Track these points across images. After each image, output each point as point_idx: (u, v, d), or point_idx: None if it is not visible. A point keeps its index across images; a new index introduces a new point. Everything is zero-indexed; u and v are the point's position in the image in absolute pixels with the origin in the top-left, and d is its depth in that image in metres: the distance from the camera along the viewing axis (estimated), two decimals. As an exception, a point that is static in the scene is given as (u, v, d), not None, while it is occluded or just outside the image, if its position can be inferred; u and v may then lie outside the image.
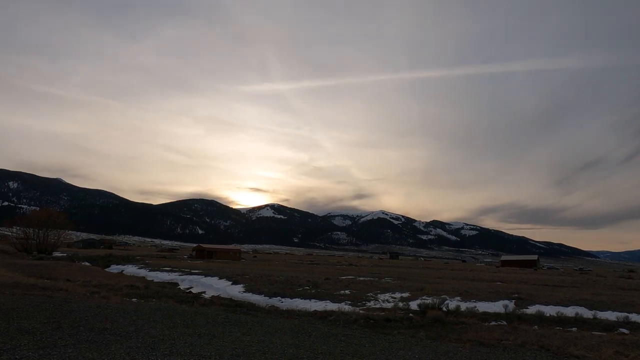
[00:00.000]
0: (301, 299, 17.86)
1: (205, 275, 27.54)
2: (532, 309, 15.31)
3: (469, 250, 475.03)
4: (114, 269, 36.31)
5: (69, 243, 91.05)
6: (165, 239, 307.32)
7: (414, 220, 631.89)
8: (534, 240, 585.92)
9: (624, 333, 11.42)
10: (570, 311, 14.92)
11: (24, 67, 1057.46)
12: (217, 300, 15.77)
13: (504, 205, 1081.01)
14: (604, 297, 20.62)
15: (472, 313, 14.39)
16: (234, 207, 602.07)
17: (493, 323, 12.54)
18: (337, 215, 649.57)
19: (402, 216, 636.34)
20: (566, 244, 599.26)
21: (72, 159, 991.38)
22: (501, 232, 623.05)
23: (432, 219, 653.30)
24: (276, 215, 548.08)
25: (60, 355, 5.57)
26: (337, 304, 16.08)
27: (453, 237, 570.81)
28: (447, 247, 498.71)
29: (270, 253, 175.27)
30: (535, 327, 12.01)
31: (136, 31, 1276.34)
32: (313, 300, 17.37)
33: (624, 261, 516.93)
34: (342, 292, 20.37)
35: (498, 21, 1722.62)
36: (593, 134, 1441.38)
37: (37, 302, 9.95)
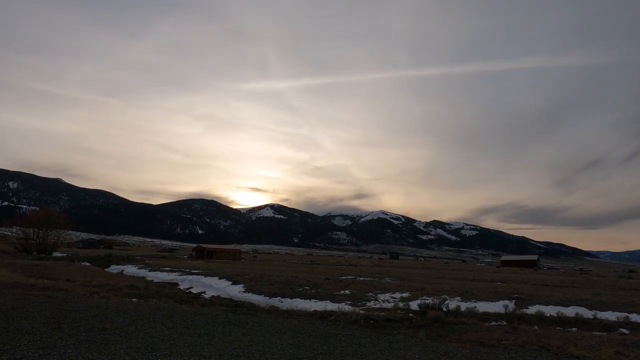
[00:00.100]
0: (301, 299, 17.85)
1: (205, 276, 27.51)
2: (532, 309, 15.31)
3: (469, 250, 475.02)
4: (114, 269, 36.31)
5: (68, 243, 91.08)
6: (165, 239, 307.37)
7: (414, 220, 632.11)
8: (534, 241, 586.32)
9: (624, 333, 11.42)
10: (570, 311, 14.92)
11: (23, 65, 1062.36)
12: (217, 301, 15.75)
13: (504, 205, 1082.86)
14: (604, 297, 20.61)
15: (472, 313, 14.38)
16: (234, 207, 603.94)
17: (493, 323, 12.53)
18: (337, 215, 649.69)
19: (402, 216, 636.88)
20: (566, 244, 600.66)
21: (72, 159, 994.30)
22: (501, 232, 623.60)
23: (432, 219, 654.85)
24: (276, 215, 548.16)
25: (60, 356, 5.56)
26: (337, 304, 16.06)
27: (453, 237, 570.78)
28: (447, 247, 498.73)
29: (270, 253, 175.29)
30: (536, 327, 12.00)
31: (135, 29, 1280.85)
32: (313, 301, 17.36)
33: (624, 261, 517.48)
34: (342, 292, 20.35)
35: (499, 19, 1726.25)
36: (594, 132, 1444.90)
37: (37, 302, 9.95)
